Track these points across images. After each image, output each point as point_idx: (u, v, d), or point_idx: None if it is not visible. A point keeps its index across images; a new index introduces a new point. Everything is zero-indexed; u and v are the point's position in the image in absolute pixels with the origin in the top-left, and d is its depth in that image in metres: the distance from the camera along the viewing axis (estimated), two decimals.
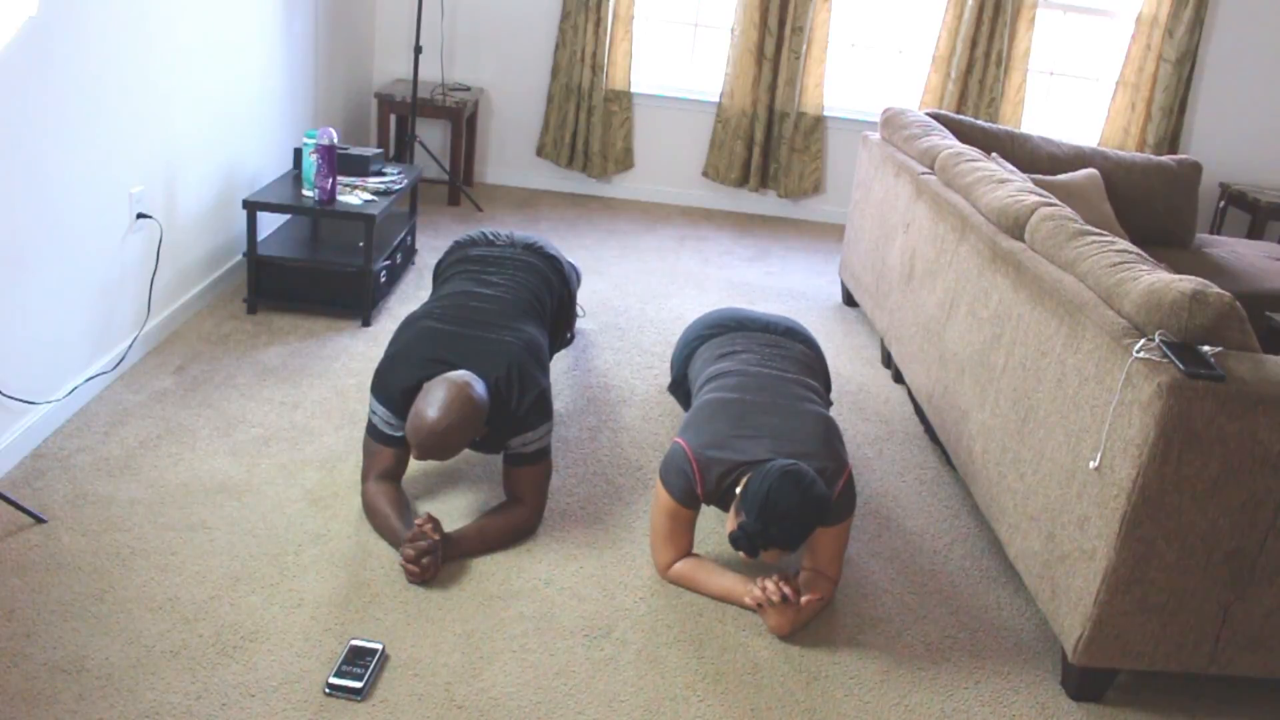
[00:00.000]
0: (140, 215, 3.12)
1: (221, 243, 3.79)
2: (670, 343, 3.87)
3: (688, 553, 2.46)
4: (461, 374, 2.40)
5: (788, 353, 2.71)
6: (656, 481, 2.42)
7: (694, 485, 2.34)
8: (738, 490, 2.29)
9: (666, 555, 2.44)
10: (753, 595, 2.25)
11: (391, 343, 2.59)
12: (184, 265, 3.50)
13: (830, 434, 2.42)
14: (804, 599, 2.26)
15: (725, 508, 2.37)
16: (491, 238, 3.06)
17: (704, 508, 2.80)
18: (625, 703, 2.08)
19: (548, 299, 2.92)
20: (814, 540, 2.41)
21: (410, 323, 2.62)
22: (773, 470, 2.21)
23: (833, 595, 2.46)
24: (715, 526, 2.73)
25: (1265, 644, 2.16)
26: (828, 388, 2.85)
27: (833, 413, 3.44)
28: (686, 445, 2.38)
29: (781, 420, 2.40)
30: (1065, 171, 4.28)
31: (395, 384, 2.49)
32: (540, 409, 2.53)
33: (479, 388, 2.39)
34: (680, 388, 2.97)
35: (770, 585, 2.23)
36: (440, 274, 3.03)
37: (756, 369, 2.59)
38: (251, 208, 3.56)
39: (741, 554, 2.25)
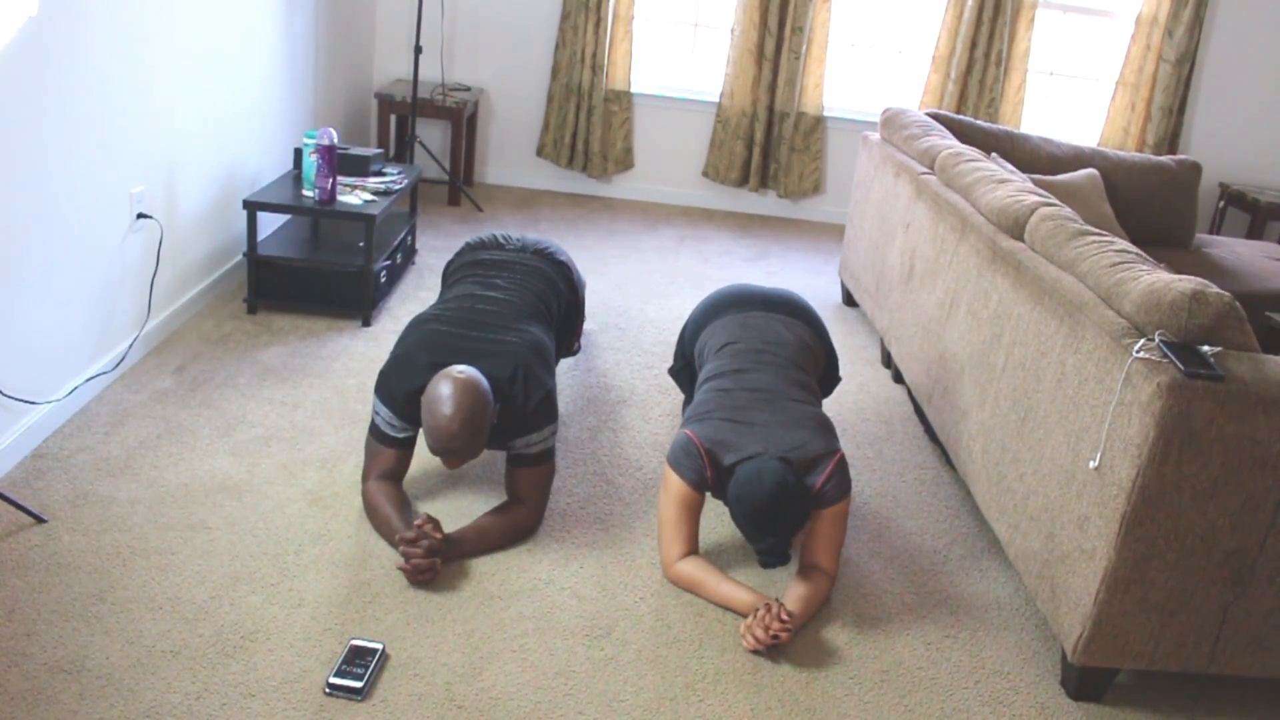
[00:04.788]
0: (140, 215, 3.12)
1: (221, 243, 3.79)
2: (670, 342, 3.87)
3: (694, 546, 2.46)
4: (457, 368, 2.40)
5: (788, 338, 2.70)
6: (665, 471, 2.44)
7: (704, 469, 2.38)
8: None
9: (674, 548, 2.45)
10: (745, 642, 2.26)
11: (397, 345, 2.59)
12: (184, 265, 3.50)
13: (820, 425, 2.46)
14: (789, 612, 2.27)
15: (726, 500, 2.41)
16: (502, 241, 3.05)
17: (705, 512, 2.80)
18: (625, 703, 2.08)
19: (555, 304, 2.91)
20: (811, 528, 2.43)
21: (416, 325, 2.62)
22: (738, 475, 2.31)
23: (830, 591, 2.46)
24: (716, 526, 2.73)
25: (1265, 644, 2.16)
26: (833, 365, 2.89)
27: (833, 413, 3.45)
28: (693, 434, 2.42)
29: (773, 415, 2.45)
30: (1065, 171, 4.28)
31: (399, 386, 2.49)
32: (546, 410, 2.53)
33: (479, 376, 2.40)
34: (681, 375, 2.97)
35: (761, 634, 2.23)
36: (449, 276, 3.03)
37: (753, 370, 2.60)
38: (252, 208, 3.56)
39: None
